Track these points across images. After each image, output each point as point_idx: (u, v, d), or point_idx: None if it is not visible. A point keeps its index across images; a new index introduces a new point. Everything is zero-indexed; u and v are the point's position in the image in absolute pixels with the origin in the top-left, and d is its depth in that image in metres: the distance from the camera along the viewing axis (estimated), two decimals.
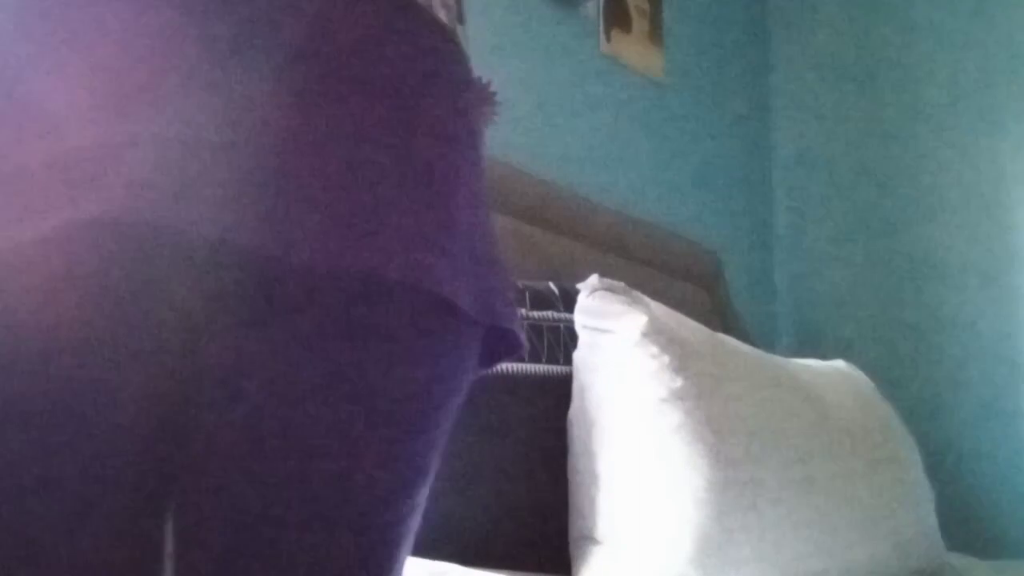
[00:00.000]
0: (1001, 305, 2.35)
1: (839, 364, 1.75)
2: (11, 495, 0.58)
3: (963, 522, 2.17)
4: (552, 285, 1.51)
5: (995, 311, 2.35)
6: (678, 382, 1.29)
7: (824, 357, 1.80)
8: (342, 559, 0.62)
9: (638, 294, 1.43)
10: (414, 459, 0.64)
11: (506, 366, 1.33)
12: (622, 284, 1.43)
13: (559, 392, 1.37)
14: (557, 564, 1.28)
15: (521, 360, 0.72)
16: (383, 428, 0.62)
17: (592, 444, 1.31)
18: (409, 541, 0.67)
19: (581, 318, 1.41)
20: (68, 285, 0.58)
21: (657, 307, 1.42)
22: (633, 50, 2.29)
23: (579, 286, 1.45)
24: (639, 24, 2.31)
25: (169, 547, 0.65)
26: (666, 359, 1.31)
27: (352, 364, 0.60)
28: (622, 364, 1.32)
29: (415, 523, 0.67)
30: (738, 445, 1.28)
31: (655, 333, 1.34)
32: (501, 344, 0.71)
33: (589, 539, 1.29)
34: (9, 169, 0.55)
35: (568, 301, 1.46)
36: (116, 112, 0.54)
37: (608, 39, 2.21)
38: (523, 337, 0.72)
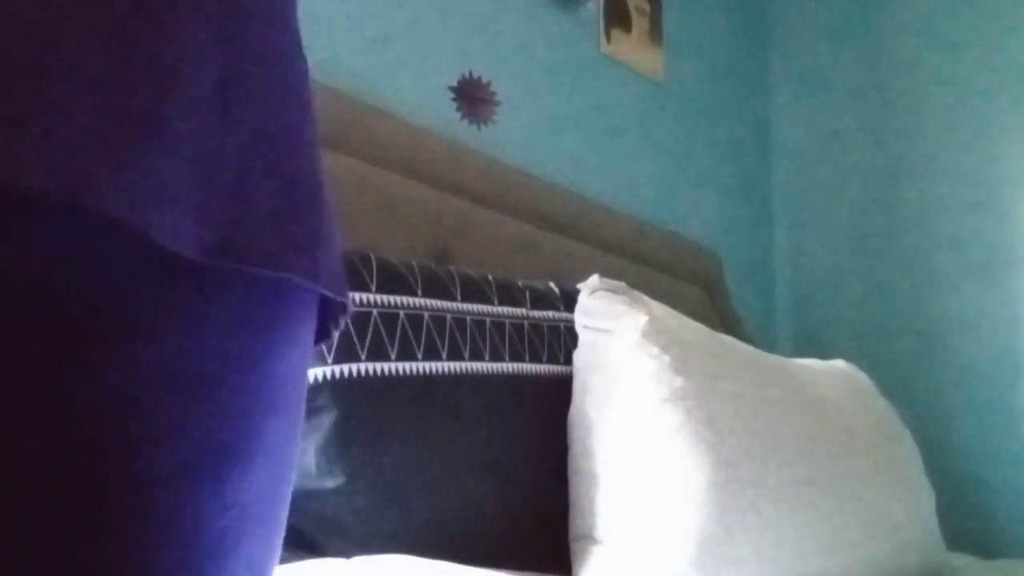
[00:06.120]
0: (1001, 305, 2.35)
1: (839, 364, 1.75)
2: None
3: (963, 522, 2.17)
4: (552, 285, 1.51)
5: (995, 311, 2.35)
6: (678, 382, 1.29)
7: (824, 357, 1.80)
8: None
9: (638, 294, 1.43)
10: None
11: (507, 367, 1.33)
12: (622, 284, 1.43)
13: (559, 392, 1.37)
14: (557, 564, 1.28)
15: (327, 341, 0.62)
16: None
17: (592, 444, 1.31)
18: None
19: (581, 318, 1.41)
20: None
21: (657, 307, 1.42)
22: (633, 50, 2.29)
23: (579, 286, 1.45)
24: (639, 24, 2.31)
25: None
26: (666, 359, 1.31)
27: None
28: (622, 364, 1.32)
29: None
30: (738, 445, 1.28)
31: (655, 333, 1.34)
32: None
33: (589, 539, 1.29)
34: None
35: (569, 301, 1.46)
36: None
37: (608, 39, 2.21)
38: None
